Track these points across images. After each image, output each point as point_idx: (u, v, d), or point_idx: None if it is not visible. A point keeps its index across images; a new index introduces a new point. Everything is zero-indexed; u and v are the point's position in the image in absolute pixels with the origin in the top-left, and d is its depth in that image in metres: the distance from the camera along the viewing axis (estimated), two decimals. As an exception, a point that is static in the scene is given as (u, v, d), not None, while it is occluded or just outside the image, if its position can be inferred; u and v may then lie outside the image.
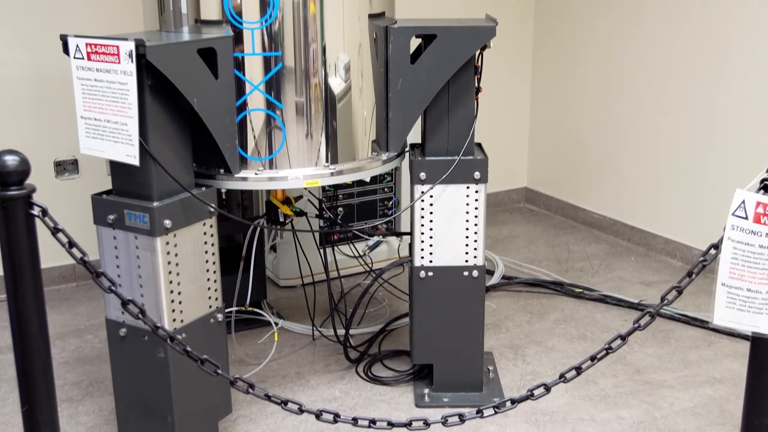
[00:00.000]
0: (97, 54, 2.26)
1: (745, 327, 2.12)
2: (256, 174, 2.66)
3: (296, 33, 2.60)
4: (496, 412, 2.33)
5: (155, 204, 2.37)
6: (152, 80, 2.31)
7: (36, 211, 1.94)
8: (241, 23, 2.55)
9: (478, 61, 2.81)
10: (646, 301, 3.81)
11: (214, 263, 2.62)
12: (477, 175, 2.82)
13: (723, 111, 3.99)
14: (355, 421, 2.29)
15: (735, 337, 3.45)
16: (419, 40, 2.79)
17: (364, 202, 4.16)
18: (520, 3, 5.07)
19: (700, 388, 3.11)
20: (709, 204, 4.11)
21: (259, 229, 3.26)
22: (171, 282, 2.45)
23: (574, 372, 2.31)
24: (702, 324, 3.57)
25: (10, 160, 1.91)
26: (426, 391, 3.03)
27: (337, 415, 2.28)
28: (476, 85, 2.82)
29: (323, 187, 3.94)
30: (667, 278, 4.14)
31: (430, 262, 2.90)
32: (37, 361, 2.04)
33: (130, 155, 2.29)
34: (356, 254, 3.82)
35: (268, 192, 3.16)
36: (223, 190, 2.69)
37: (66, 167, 4.04)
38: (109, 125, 2.30)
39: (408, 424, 2.28)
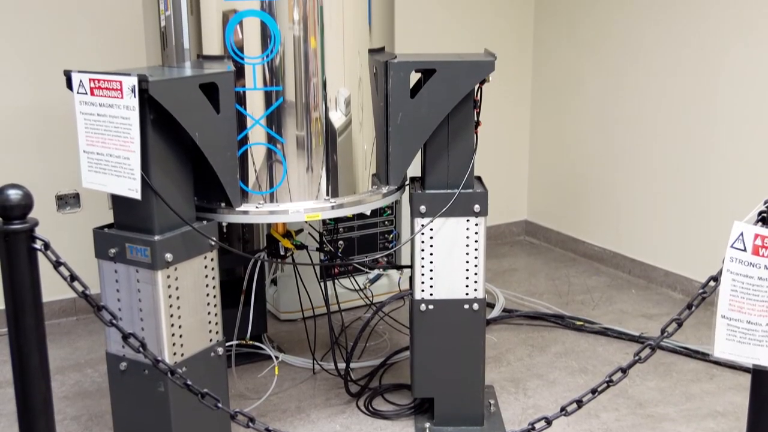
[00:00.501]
0: (100, 89, 2.28)
1: (746, 359, 2.11)
2: (257, 207, 2.67)
3: (297, 68, 2.63)
4: (497, 446, 2.31)
5: (156, 237, 2.38)
6: (154, 115, 2.33)
7: (38, 244, 1.95)
8: (242, 58, 2.58)
9: (477, 95, 2.83)
10: (647, 334, 3.80)
11: (214, 297, 2.62)
12: (477, 208, 2.83)
13: (721, 143, 4.01)
14: (355, 455, 2.27)
15: (737, 369, 3.44)
16: (419, 75, 2.82)
17: (364, 235, 4.17)
18: (519, 37, 5.12)
19: (702, 422, 3.09)
20: (709, 236, 4.12)
21: (259, 262, 3.27)
22: (172, 315, 2.45)
23: (575, 405, 2.30)
24: (704, 357, 3.56)
25: (14, 194, 1.92)
26: (427, 425, 3.02)
27: (337, 449, 2.27)
28: (476, 118, 2.84)
29: (324, 221, 3.95)
30: (668, 311, 4.14)
31: (431, 295, 2.90)
32: (38, 395, 2.03)
33: (132, 189, 2.31)
34: (357, 287, 3.82)
35: (269, 225, 3.17)
36: (224, 224, 2.71)
37: (68, 201, 4.06)
38: (111, 159, 2.31)
39: (409, 458, 2.27)
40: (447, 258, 2.87)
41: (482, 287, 2.90)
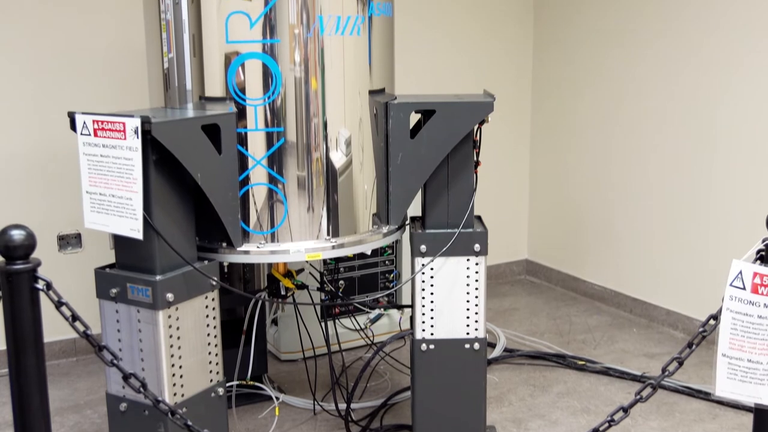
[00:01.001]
0: (103, 130, 2.31)
1: (748, 398, 2.11)
2: (258, 247, 2.68)
3: (298, 109, 2.66)
4: (499, 487, 2.30)
5: (158, 277, 2.39)
6: (157, 155, 2.35)
7: (40, 284, 1.96)
8: (244, 100, 2.61)
9: (476, 136, 2.86)
10: (649, 374, 3.78)
11: (215, 337, 2.62)
12: (477, 247, 2.84)
13: (719, 181, 4.03)
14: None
15: (740, 409, 3.42)
16: (419, 115, 2.85)
17: (365, 275, 4.17)
18: (518, 76, 5.17)
19: (705, 462, 3.07)
20: (709, 275, 4.12)
21: (260, 302, 3.27)
22: (172, 356, 2.45)
23: (577, 445, 2.29)
24: (706, 396, 3.54)
25: (17, 234, 1.94)
26: (428, 466, 3.00)
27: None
28: (475, 158, 2.87)
29: (325, 260, 3.95)
30: (669, 350, 4.12)
31: (432, 334, 2.90)
32: (37, 436, 2.03)
33: (134, 229, 2.32)
34: (357, 327, 3.82)
35: (270, 265, 3.18)
36: (225, 264, 2.71)
37: (69, 241, 4.07)
38: (114, 200, 2.33)
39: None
40: (448, 297, 2.87)
41: (483, 326, 2.90)
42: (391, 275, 4.25)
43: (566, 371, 3.92)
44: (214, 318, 2.60)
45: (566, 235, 5.09)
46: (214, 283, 2.57)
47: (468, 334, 2.90)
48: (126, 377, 2.20)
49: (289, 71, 2.62)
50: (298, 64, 2.63)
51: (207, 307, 2.57)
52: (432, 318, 2.88)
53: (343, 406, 3.27)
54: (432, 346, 2.90)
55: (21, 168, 3.92)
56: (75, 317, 2.06)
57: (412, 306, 2.93)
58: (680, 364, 2.21)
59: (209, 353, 2.60)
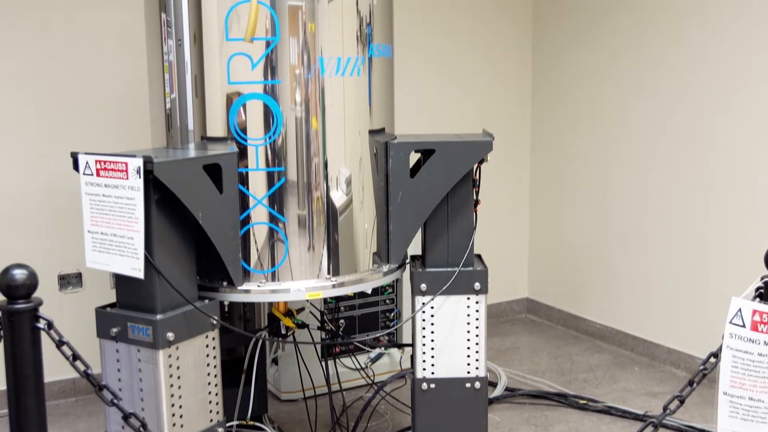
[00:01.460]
0: (106, 170, 2.33)
1: (750, 437, 2.10)
2: (258, 286, 2.69)
3: (299, 148, 2.68)
4: None
5: (159, 317, 2.39)
6: (159, 195, 2.37)
7: (42, 324, 1.97)
8: (245, 140, 2.63)
9: (476, 175, 2.88)
10: (651, 413, 3.76)
11: (215, 376, 2.61)
12: (477, 286, 2.85)
13: (718, 219, 4.04)
14: None
15: (743, 448, 3.40)
16: (418, 155, 2.87)
17: (365, 313, 4.17)
18: (517, 115, 5.21)
19: (709, 502, 3.05)
20: (710, 312, 4.11)
21: (260, 341, 3.26)
22: (172, 395, 2.44)
23: (579, 485, 2.28)
24: (709, 435, 3.53)
25: (19, 273, 1.95)
26: (430, 507, 2.97)
27: None
28: (475, 197, 2.88)
29: (325, 299, 3.95)
30: (671, 389, 4.10)
31: (432, 373, 2.89)
32: (36, 477, 2.02)
33: (136, 268, 2.33)
34: (358, 366, 3.81)
35: (270, 304, 3.18)
36: (226, 303, 2.72)
37: (70, 281, 4.07)
38: (115, 239, 2.35)
39: None
40: (448, 336, 2.87)
41: (484, 366, 2.90)
42: (392, 314, 4.24)
43: (568, 410, 3.90)
44: (214, 357, 2.60)
45: (567, 274, 5.09)
46: (215, 322, 2.57)
47: (469, 373, 2.89)
48: (126, 417, 2.20)
49: (290, 111, 2.65)
50: (299, 105, 2.66)
51: (207, 346, 2.57)
52: (433, 357, 2.88)
53: (343, 446, 3.25)
54: (433, 386, 2.89)
55: (22, 207, 3.94)
56: (76, 356, 2.06)
57: (412, 345, 2.92)
58: (681, 402, 2.20)
59: (209, 393, 2.59)
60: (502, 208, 5.22)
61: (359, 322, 4.16)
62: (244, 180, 2.64)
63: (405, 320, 4.07)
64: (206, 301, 2.57)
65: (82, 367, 2.07)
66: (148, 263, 2.35)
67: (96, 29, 3.96)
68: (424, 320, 2.87)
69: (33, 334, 1.96)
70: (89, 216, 2.39)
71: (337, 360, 3.94)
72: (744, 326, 2.02)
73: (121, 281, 2.47)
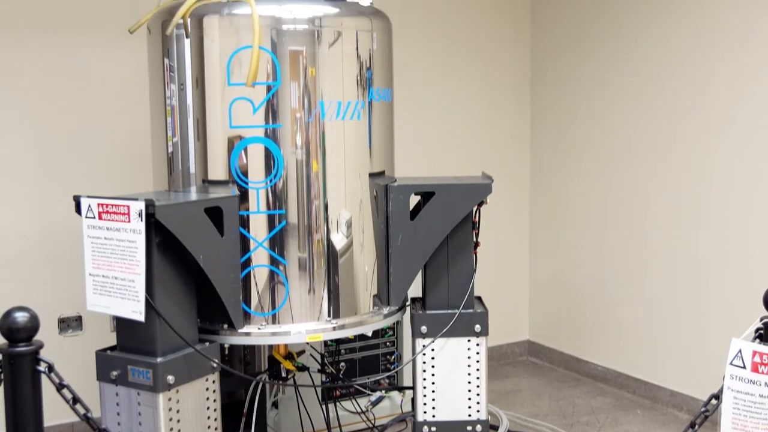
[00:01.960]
0: (108, 213, 2.35)
1: (753, 480, 2.09)
2: (259, 329, 2.69)
3: (300, 191, 2.70)
4: None
5: (159, 360, 2.39)
6: (160, 238, 2.38)
7: (42, 367, 1.97)
8: (246, 183, 2.65)
9: (475, 217, 2.89)
10: (654, 456, 3.73)
11: (215, 420, 2.60)
12: (478, 328, 2.85)
13: (717, 260, 4.04)
14: None
15: (747, 492, 3.36)
16: (418, 197, 2.89)
17: (366, 356, 4.15)
18: (516, 157, 5.24)
19: None
20: (711, 355, 4.09)
21: (261, 384, 3.25)
22: (172, 439, 2.43)
23: None
24: (712, 479, 3.49)
25: (20, 316, 1.96)
26: None
27: None
28: (474, 239, 2.90)
29: (325, 342, 3.94)
30: (674, 432, 4.08)
31: (433, 416, 2.88)
32: None
33: (136, 311, 2.33)
34: (359, 410, 3.78)
35: (271, 346, 3.17)
36: (226, 345, 2.71)
37: (70, 324, 4.06)
38: (116, 282, 2.35)
39: None
40: (449, 379, 2.86)
41: (485, 408, 2.88)
42: (392, 357, 4.23)
43: (570, 454, 3.87)
44: (214, 401, 2.59)
45: (568, 316, 5.08)
46: (215, 365, 2.57)
47: (470, 416, 2.87)
48: (125, 461, 2.19)
49: (291, 155, 2.67)
50: (300, 148, 2.68)
51: (207, 389, 2.56)
52: (433, 400, 2.87)
53: (344, 491, 3.22)
54: (434, 429, 2.88)
55: (23, 249, 3.94)
56: (76, 400, 2.06)
57: (413, 388, 2.92)
58: (684, 445, 2.19)
59: (209, 436, 2.58)
60: (502, 249, 5.22)
61: (360, 365, 4.14)
62: (245, 223, 2.65)
63: (405, 363, 4.05)
64: (207, 343, 2.57)
65: (82, 411, 2.06)
66: (149, 306, 2.36)
67: (99, 73, 4.00)
68: (424, 363, 2.86)
69: (33, 377, 1.96)
70: (91, 259, 2.40)
71: (337, 403, 3.91)
72: (744, 367, 2.02)
73: (121, 324, 2.47)
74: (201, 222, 2.47)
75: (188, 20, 2.64)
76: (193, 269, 2.52)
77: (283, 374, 3.14)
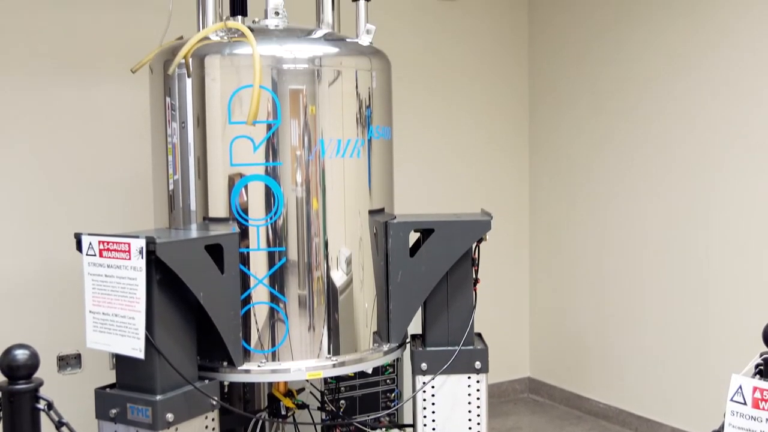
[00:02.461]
0: (108, 251, 2.35)
1: None
2: (258, 366, 2.68)
3: (300, 229, 2.71)
4: None
5: (158, 397, 2.38)
6: (160, 275, 2.39)
7: (42, 404, 1.96)
8: (247, 220, 2.67)
9: (475, 254, 2.90)
10: (656, 494, 3.70)
11: (214, 458, 2.59)
12: (478, 365, 2.84)
13: (716, 296, 4.04)
14: None
15: None
16: (418, 234, 2.90)
17: (366, 393, 4.13)
18: (515, 194, 5.26)
19: None
20: (713, 390, 4.07)
21: (260, 422, 3.23)
22: (171, 478, 2.41)
23: None
24: None
25: (20, 354, 1.96)
26: None
27: None
28: (474, 276, 2.90)
29: (325, 379, 3.92)
30: (677, 470, 4.04)
31: (434, 454, 2.86)
32: None
33: (136, 348, 2.33)
34: (359, 448, 3.75)
35: (270, 384, 3.16)
36: (226, 383, 2.71)
37: (69, 362, 4.05)
38: (116, 319, 2.36)
39: None
40: (449, 416, 2.85)
41: (485, 446, 2.87)
42: (393, 394, 4.20)
43: (572, 493, 3.84)
44: (213, 439, 2.58)
45: (568, 353, 5.06)
46: (215, 402, 2.56)
47: (470, 453, 2.86)
48: (123, 500, 2.17)
49: (291, 192, 2.69)
50: (300, 186, 2.70)
51: (207, 427, 2.55)
52: (434, 437, 2.85)
53: None
54: (434, 467, 2.86)
55: (22, 287, 3.94)
56: (74, 438, 2.05)
57: (413, 425, 2.90)
58: (685, 482, 2.17)
59: (208, 475, 2.56)
60: (503, 286, 5.22)
61: (360, 402, 4.12)
62: (245, 260, 2.66)
63: (406, 400, 4.03)
64: (206, 381, 2.56)
65: (80, 449, 2.05)
66: (149, 343, 2.36)
67: (100, 111, 4.03)
68: (425, 400, 2.85)
69: (33, 415, 1.96)
70: (91, 296, 2.40)
71: (337, 441, 3.89)
72: (745, 404, 2.02)
73: (121, 361, 2.47)
74: (201, 259, 2.48)
75: (190, 60, 2.67)
76: (193, 306, 2.53)
77: (283, 412, 3.13)
